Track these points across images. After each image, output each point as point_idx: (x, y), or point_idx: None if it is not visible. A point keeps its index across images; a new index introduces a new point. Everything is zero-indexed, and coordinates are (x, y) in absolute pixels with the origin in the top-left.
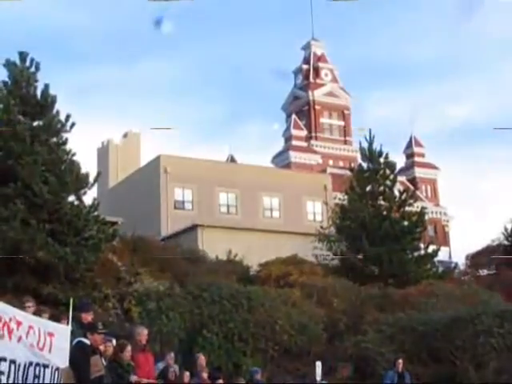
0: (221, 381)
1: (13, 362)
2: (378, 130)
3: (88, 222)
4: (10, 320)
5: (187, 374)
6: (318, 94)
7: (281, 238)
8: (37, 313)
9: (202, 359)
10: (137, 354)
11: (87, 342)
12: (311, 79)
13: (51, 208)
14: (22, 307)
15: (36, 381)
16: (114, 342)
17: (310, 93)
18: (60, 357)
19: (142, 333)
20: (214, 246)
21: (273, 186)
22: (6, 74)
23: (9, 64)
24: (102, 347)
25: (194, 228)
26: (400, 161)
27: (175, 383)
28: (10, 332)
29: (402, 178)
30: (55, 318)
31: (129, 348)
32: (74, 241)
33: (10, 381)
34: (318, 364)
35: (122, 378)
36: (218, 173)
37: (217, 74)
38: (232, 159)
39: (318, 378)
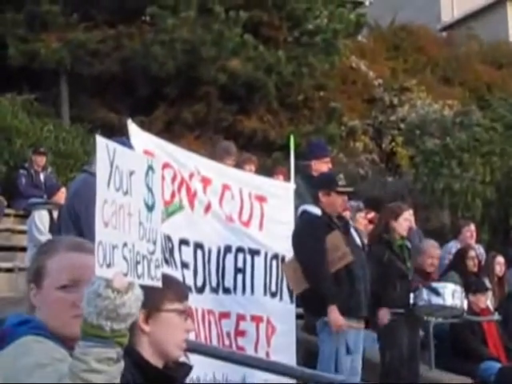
0: None
1: (199, 246)
2: None
3: (313, 3)
4: (192, 176)
5: (500, 259)
6: None
7: None
8: (235, 163)
9: None
10: None
11: (317, 210)
12: None
13: None
14: (210, 154)
15: (240, 276)
16: (364, 213)
17: None
18: (278, 236)
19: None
20: None
21: None
22: None
23: None
24: (347, 214)
25: (499, 4)
26: None
27: (478, 274)
28: (191, 196)
29: None
30: (266, 171)
31: (406, 214)
32: (289, 37)
33: (199, 276)
34: None
35: (388, 267)
36: None
37: None
38: None
39: None
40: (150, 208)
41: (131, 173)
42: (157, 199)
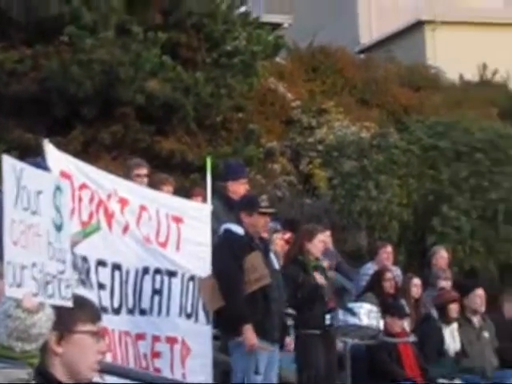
0: (480, 292)
1: (117, 267)
2: None
3: (231, 25)
4: (109, 196)
5: (416, 281)
6: None
7: None
8: (151, 183)
9: (441, 256)
10: None
11: (240, 230)
12: None
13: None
14: (132, 176)
15: (156, 298)
16: (280, 234)
17: None
18: (195, 258)
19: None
20: (453, 57)
21: None
22: None
23: None
24: (264, 234)
25: (417, 27)
26: None
27: (395, 296)
28: (109, 217)
29: None
30: (184, 192)
31: (320, 236)
32: (208, 58)
33: (116, 297)
34: None
35: (301, 286)
36: None
37: None
38: None
39: None
40: (59, 228)
41: (39, 192)
42: (65, 219)
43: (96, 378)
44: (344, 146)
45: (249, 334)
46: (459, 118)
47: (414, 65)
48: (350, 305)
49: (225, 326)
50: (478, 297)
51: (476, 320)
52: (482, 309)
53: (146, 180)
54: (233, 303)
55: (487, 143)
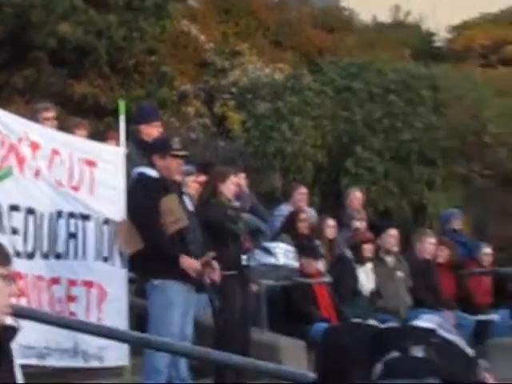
0: (393, 232)
1: (31, 211)
2: None
3: None
4: (21, 140)
5: (330, 222)
6: None
7: None
8: (65, 127)
9: (355, 197)
10: None
11: (153, 173)
12: None
13: None
14: (39, 119)
15: (72, 242)
16: (194, 177)
17: None
18: (109, 201)
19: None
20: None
21: None
22: None
23: None
24: (178, 177)
25: None
26: None
27: (309, 237)
28: (20, 161)
29: None
30: (98, 136)
31: (233, 178)
32: (120, 1)
33: (30, 241)
34: None
35: (217, 228)
36: None
37: None
38: None
39: None
40: None
41: None
42: None
43: (9, 322)
44: (258, 88)
45: (188, 261)
46: (372, 59)
47: (328, 6)
48: (267, 244)
49: (142, 268)
50: (392, 237)
51: (390, 260)
52: (396, 248)
53: (55, 123)
54: (156, 242)
55: (400, 84)
